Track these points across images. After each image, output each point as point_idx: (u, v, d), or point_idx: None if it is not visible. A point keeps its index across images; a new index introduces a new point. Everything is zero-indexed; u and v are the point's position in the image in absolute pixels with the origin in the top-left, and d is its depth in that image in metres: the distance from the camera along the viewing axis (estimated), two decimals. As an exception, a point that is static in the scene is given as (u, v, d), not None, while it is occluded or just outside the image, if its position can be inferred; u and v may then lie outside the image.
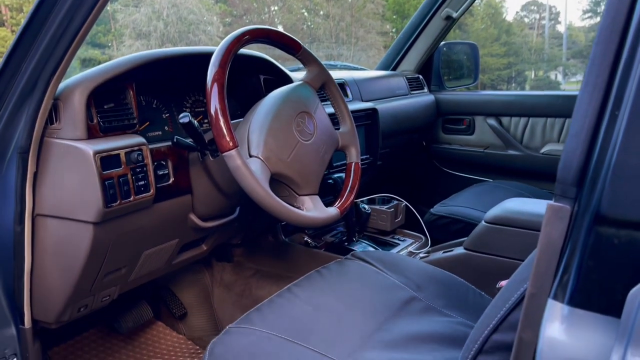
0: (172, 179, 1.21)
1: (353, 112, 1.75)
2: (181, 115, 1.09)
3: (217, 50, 1.06)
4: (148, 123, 1.30)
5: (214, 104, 1.02)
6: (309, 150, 1.18)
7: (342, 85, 1.86)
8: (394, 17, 25.49)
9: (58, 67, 0.96)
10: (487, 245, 1.40)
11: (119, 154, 1.05)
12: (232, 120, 1.24)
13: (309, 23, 25.40)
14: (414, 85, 2.30)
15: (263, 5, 25.88)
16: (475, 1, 2.19)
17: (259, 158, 1.08)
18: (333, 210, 1.21)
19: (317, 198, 1.18)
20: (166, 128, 1.35)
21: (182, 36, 22.27)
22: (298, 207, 1.17)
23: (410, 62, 2.38)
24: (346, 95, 1.86)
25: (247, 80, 1.51)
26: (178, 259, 1.41)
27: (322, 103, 1.52)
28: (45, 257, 1.09)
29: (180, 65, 1.28)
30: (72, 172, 1.02)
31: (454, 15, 2.18)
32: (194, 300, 1.73)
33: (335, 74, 1.95)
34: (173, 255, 1.36)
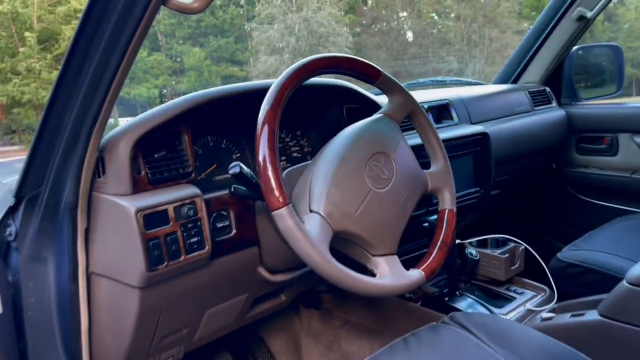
0: (234, 231, 1.08)
1: (457, 138, 1.51)
2: (231, 165, 0.95)
3: (271, 88, 0.91)
4: (215, 166, 1.19)
5: (263, 151, 0.86)
6: (384, 200, 0.98)
7: (446, 107, 1.62)
8: (532, 14, 23.84)
9: (98, 117, 0.87)
10: (632, 314, 1.08)
11: (166, 210, 0.95)
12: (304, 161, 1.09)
13: (439, 26, 24.74)
14: (539, 99, 1.97)
15: (392, 12, 25.76)
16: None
17: (320, 214, 0.90)
18: (415, 275, 0.99)
19: (394, 259, 0.98)
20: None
21: (312, 49, 22.95)
22: (371, 271, 0.97)
23: (535, 73, 2.05)
24: (450, 119, 1.62)
25: (328, 111, 1.35)
26: (252, 312, 1.28)
27: (407, 134, 1.31)
28: (101, 317, 1.02)
29: (243, 100, 1.15)
30: (117, 230, 0.93)
31: (589, 14, 1.82)
32: (282, 348, 1.60)
33: (442, 93, 1.71)
34: (244, 310, 1.24)
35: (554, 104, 2.02)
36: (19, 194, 1.00)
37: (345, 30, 23.94)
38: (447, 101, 1.63)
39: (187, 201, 0.97)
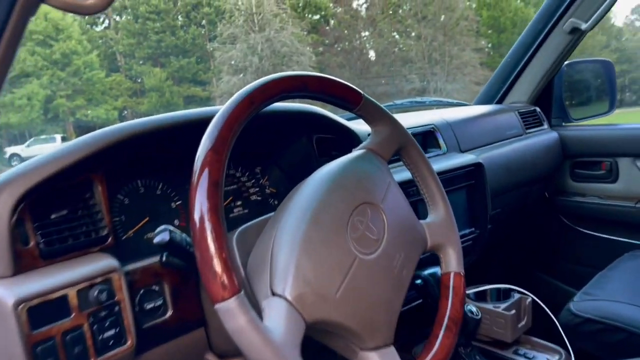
0: (170, 312, 0.80)
1: (449, 171, 1.27)
2: (157, 230, 0.68)
3: (214, 119, 0.64)
4: (146, 220, 0.90)
5: (200, 212, 0.58)
6: (374, 269, 0.71)
7: (432, 133, 1.38)
8: (489, 32, 24.40)
9: None
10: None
11: (65, 296, 0.66)
12: (263, 215, 0.81)
13: (401, 45, 25.02)
14: (530, 121, 1.75)
15: (354, 32, 25.95)
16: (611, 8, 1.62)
17: (286, 299, 0.62)
18: None
19: (391, 354, 0.71)
20: (177, 222, 0.95)
21: (276, 69, 22.93)
22: None
23: (523, 91, 1.84)
24: (437, 147, 1.37)
25: (294, 143, 1.09)
26: None
27: (394, 167, 1.05)
28: None
29: (183, 132, 0.87)
30: None
31: (583, 26, 1.62)
32: None
33: (424, 116, 1.47)
34: None
35: (546, 125, 1.81)
36: None
37: (308, 49, 23.95)
38: (433, 126, 1.39)
39: (98, 280, 0.69)
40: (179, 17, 25.36)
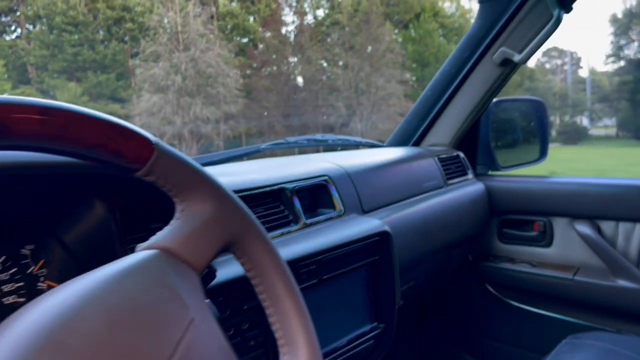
0: None
1: (345, 245, 0.89)
2: None
3: None
4: None
5: None
6: None
7: (324, 187, 1.00)
8: (414, 65, 25.12)
9: None
10: None
11: None
12: None
13: (329, 73, 25.21)
14: (452, 169, 1.43)
15: (282, 57, 25.91)
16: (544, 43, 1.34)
17: None
18: None
19: None
20: None
21: (200, 89, 22.44)
22: None
23: (444, 132, 1.52)
24: (330, 207, 1.00)
25: (82, 208, 0.67)
26: None
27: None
28: None
29: None
30: None
31: (516, 58, 1.32)
32: None
33: (314, 163, 1.09)
34: None
35: (470, 175, 1.50)
36: None
37: (235, 72, 23.58)
38: (326, 177, 1.01)
39: None
40: (100, 30, 24.21)
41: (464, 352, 1.59)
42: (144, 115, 21.75)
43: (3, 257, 0.65)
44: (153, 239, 0.44)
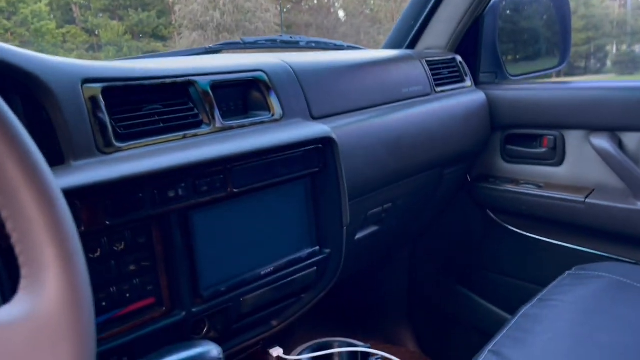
0: None
1: (266, 151, 0.73)
2: None
3: None
4: None
5: None
6: None
7: (257, 85, 0.82)
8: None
9: None
10: None
11: None
12: None
13: (371, 6, 24.25)
14: (445, 75, 1.22)
15: (323, -11, 25.02)
16: None
17: None
18: None
19: None
20: None
21: (239, 25, 22.13)
22: None
23: (440, 33, 1.29)
24: (266, 109, 0.82)
25: None
26: None
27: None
28: None
29: None
30: None
31: None
32: None
33: (252, 58, 0.90)
34: None
35: (469, 82, 1.28)
36: None
37: (273, 6, 23.00)
38: (260, 72, 0.82)
39: None
40: (139, -33, 23.88)
41: (460, 284, 1.43)
42: (184, 53, 21.65)
43: None
44: None
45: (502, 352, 0.79)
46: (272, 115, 0.81)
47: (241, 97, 0.82)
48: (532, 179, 1.26)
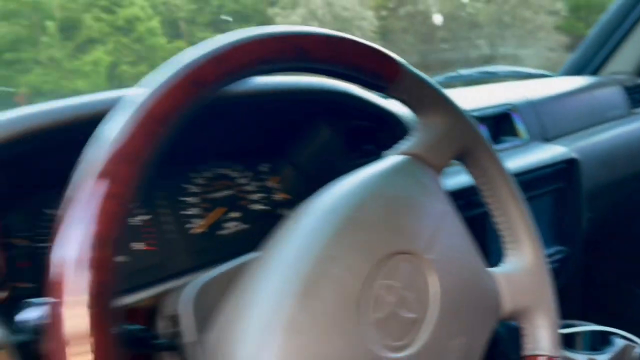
0: None
1: (531, 171, 0.92)
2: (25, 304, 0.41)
3: (120, 115, 0.34)
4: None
5: (65, 272, 0.30)
6: None
7: (508, 117, 1.03)
8: (566, -7, 22.68)
9: None
10: None
11: None
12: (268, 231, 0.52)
13: (469, 9, 23.79)
14: (638, 98, 1.35)
15: (419, -6, 24.94)
16: None
17: None
18: None
19: None
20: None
21: (336, 34, 22.59)
22: None
23: (627, 60, 1.43)
24: (514, 134, 1.02)
25: (313, 133, 0.78)
26: None
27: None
28: None
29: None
30: None
31: None
32: None
33: (495, 94, 1.12)
34: None
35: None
36: None
37: (370, 14, 23.25)
38: (511, 106, 1.03)
39: None
40: (241, -19, 25.23)
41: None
42: (284, 63, 22.53)
43: (248, 172, 0.79)
44: (401, 147, 0.53)
45: None
46: (521, 140, 1.01)
47: (494, 125, 1.03)
48: None
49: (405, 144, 0.53)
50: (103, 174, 0.32)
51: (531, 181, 0.93)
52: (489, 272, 0.52)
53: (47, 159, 0.57)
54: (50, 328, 0.30)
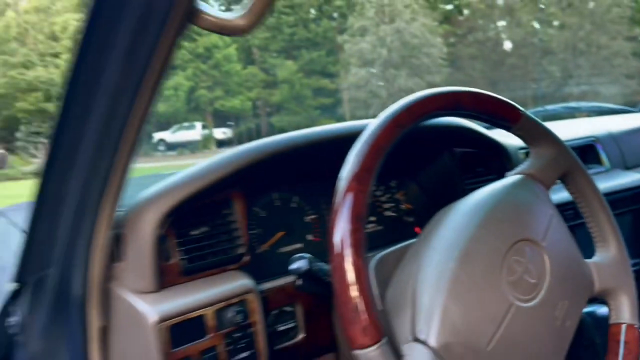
0: (302, 335, 0.77)
1: (613, 193, 1.11)
2: (294, 257, 0.65)
3: (358, 144, 0.59)
4: (282, 234, 0.89)
5: (340, 246, 0.54)
6: (532, 319, 0.62)
7: (592, 147, 1.22)
8: (646, 18, 21.83)
9: (107, 183, 0.59)
10: None
11: (203, 316, 0.65)
12: (401, 241, 0.75)
13: (541, 36, 23.38)
14: None
15: (489, 21, 24.79)
16: None
17: (429, 347, 0.56)
18: None
19: None
20: (310, 238, 0.92)
21: (404, 61, 22.62)
22: None
23: None
24: (598, 163, 1.21)
25: (434, 157, 1.01)
26: None
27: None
28: None
29: (321, 146, 0.84)
30: (135, 342, 0.65)
31: None
32: None
33: (581, 127, 1.31)
34: None
35: None
36: (21, 278, 0.75)
37: (439, 40, 23.31)
38: (594, 138, 1.22)
39: (235, 300, 0.68)
40: (312, 10, 26.04)
41: None
42: (351, 89, 22.70)
43: (382, 186, 1.03)
44: (519, 169, 0.75)
45: None
46: (604, 167, 1.20)
47: (579, 155, 1.22)
48: None
49: (522, 167, 0.75)
50: (356, 179, 0.56)
51: (612, 202, 1.11)
52: (584, 260, 0.73)
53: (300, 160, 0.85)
54: (336, 273, 0.54)
